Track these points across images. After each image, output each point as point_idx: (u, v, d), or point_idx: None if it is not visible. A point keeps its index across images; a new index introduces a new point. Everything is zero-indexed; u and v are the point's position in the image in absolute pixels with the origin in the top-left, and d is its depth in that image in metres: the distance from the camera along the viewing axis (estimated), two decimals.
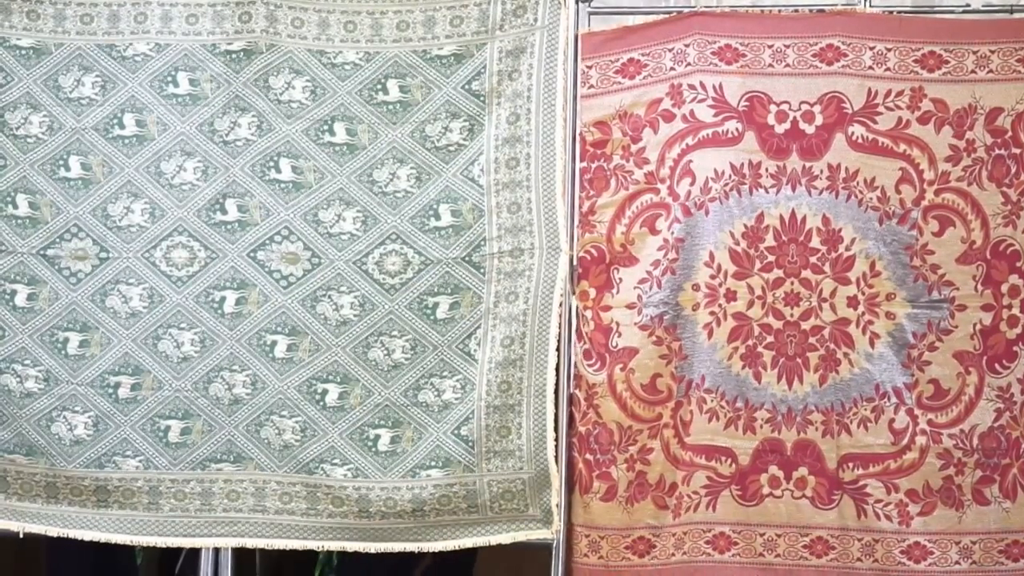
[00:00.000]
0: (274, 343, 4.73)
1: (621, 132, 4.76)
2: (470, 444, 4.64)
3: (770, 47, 4.72)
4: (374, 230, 4.74)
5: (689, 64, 4.73)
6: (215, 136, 4.78)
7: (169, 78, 4.80)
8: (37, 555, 5.23)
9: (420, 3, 4.78)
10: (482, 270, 4.71)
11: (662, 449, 4.71)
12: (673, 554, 4.71)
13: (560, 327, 4.67)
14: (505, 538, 4.68)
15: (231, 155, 4.78)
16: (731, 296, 4.70)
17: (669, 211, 4.71)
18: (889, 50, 4.67)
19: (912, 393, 4.65)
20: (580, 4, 4.81)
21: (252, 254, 4.75)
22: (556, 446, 4.65)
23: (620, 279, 4.74)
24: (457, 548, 4.69)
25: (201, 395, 4.73)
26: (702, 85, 4.71)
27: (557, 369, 4.67)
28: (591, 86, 4.79)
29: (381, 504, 4.66)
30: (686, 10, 4.82)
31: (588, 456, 4.72)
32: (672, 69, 4.74)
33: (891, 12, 4.75)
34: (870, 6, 4.77)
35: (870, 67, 4.67)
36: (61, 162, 4.80)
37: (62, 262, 4.78)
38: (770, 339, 4.70)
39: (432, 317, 4.70)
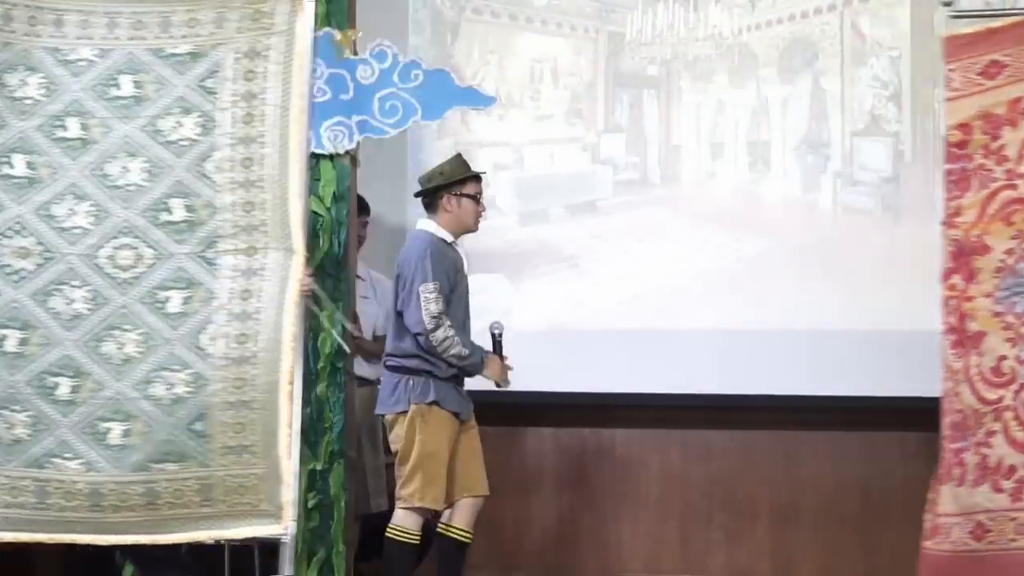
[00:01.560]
0: (4, 337, 4.71)
1: (981, 132, 4.69)
2: (204, 439, 4.66)
3: None
4: (107, 223, 4.76)
5: None
6: None
7: None
8: None
9: (157, 4, 4.84)
10: (215, 266, 4.75)
11: (1002, 432, 4.66)
12: (1014, 539, 4.65)
13: (295, 326, 4.72)
14: (238, 533, 4.70)
15: None
16: None
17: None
18: None
19: None
20: (942, 8, 4.82)
21: None
22: (289, 443, 4.69)
23: (979, 268, 4.68)
24: (190, 541, 4.70)
25: None
26: None
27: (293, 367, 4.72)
28: (954, 89, 4.71)
29: (114, 498, 4.65)
30: None
31: (951, 444, 4.67)
32: None
33: None
34: None
35: None
36: None
37: None
38: None
39: (164, 311, 4.73)
